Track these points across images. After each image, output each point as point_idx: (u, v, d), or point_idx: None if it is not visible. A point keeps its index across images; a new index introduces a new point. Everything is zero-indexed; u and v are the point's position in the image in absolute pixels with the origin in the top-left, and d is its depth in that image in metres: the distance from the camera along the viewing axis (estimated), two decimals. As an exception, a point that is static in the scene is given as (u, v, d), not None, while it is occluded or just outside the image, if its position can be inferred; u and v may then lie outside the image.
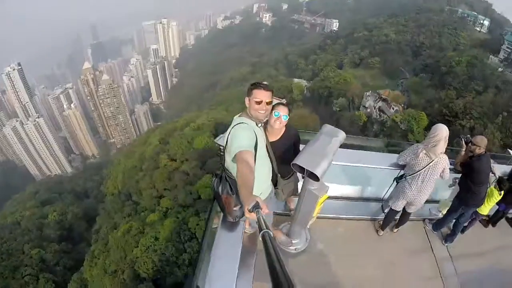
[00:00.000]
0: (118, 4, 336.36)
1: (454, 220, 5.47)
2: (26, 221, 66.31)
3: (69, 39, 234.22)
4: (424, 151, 4.42)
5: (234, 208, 3.16)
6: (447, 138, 4.37)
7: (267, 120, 3.53)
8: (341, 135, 3.58)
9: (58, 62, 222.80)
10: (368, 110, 67.49)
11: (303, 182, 3.62)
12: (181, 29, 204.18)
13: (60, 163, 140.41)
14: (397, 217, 5.32)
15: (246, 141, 2.86)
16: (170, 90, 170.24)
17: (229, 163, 3.10)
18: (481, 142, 4.84)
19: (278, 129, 3.63)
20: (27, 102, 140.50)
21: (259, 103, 3.08)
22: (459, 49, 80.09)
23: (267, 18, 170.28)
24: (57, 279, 52.61)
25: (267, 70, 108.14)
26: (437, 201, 6.22)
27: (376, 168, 5.64)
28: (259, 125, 3.25)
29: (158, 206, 56.14)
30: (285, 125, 3.71)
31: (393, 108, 63.42)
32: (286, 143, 3.73)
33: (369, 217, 5.74)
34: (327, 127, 3.67)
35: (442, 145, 4.35)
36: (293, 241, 4.61)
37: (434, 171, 4.46)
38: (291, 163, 3.34)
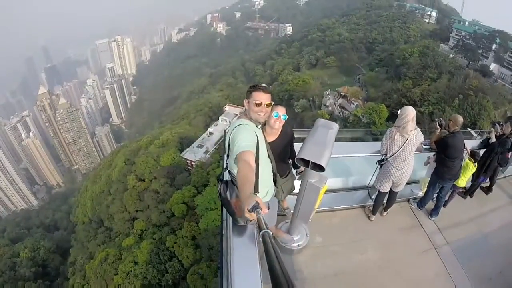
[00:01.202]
0: (68, 24, 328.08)
1: (436, 196, 5.96)
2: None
3: (21, 64, 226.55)
4: (398, 133, 4.91)
5: None
6: (415, 117, 4.86)
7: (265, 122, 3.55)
8: (336, 126, 3.70)
9: (12, 90, 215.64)
10: (330, 108, 68.95)
11: (303, 177, 3.74)
12: (136, 45, 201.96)
13: (25, 196, 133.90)
14: (385, 200, 5.67)
15: (247, 142, 2.88)
16: (130, 108, 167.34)
17: (232, 165, 3.15)
18: (458, 120, 5.45)
19: (277, 129, 3.66)
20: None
21: (258, 105, 3.12)
22: (410, 41, 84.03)
23: (221, 27, 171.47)
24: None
25: (226, 79, 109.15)
26: (417, 181, 6.71)
27: (357, 158, 6.23)
28: (259, 126, 3.30)
29: (132, 229, 55.10)
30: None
31: (353, 104, 65.10)
32: (283, 142, 3.80)
33: (359, 204, 6.05)
34: (321, 121, 3.77)
35: (412, 124, 4.83)
36: (294, 238, 4.76)
37: (411, 147, 4.93)
38: (295, 158, 3.41)
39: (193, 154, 62.42)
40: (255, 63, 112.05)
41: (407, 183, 5.50)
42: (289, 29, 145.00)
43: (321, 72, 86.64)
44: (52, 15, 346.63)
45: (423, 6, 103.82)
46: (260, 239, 1.77)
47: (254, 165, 2.75)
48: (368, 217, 5.84)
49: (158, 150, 64.07)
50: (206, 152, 62.99)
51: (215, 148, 63.56)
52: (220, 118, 73.99)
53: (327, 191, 5.57)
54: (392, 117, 52.64)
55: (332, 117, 64.63)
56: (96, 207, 65.60)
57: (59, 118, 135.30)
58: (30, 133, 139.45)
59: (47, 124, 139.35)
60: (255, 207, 2.13)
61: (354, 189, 6.46)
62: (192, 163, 59.89)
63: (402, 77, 66.35)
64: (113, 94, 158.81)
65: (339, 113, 66.99)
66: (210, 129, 71.24)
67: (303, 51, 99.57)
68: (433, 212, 6.01)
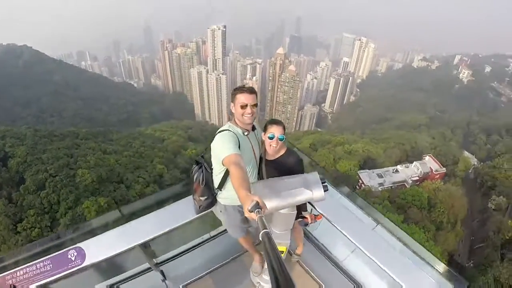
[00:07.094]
0: (325, 6, 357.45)
1: None
2: (168, 143, 75.10)
3: (273, 24, 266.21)
4: None
5: (200, 198, 3.42)
6: None
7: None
8: (318, 194, 2.84)
9: (258, 39, 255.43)
10: (522, 220, 59.01)
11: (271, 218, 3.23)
12: (376, 54, 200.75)
13: (221, 117, 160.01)
14: None
15: (232, 145, 2.93)
16: (343, 105, 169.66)
17: (213, 159, 3.24)
18: None
19: (273, 152, 3.38)
20: (218, 58, 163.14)
21: (244, 107, 3.09)
22: None
23: (465, 75, 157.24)
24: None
25: (443, 130, 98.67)
26: None
27: None
28: (245, 133, 3.23)
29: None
30: (287, 149, 3.46)
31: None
32: (277, 167, 3.39)
33: None
34: (315, 176, 2.98)
35: None
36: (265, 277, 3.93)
37: None
38: None
39: (368, 178, 60.82)
40: (480, 129, 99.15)
41: None
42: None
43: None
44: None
45: None
46: (261, 239, 1.69)
47: (244, 165, 2.71)
48: None
49: (342, 154, 65.55)
50: (381, 184, 60.96)
51: (391, 187, 61.08)
52: (414, 163, 67.37)
53: None
54: None
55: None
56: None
57: (282, 79, 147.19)
58: (254, 77, 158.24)
59: (270, 78, 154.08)
60: (256, 207, 2.02)
61: None
62: (362, 185, 59.17)
63: None
64: (336, 84, 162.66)
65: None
66: (398, 167, 66.96)
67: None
68: None
